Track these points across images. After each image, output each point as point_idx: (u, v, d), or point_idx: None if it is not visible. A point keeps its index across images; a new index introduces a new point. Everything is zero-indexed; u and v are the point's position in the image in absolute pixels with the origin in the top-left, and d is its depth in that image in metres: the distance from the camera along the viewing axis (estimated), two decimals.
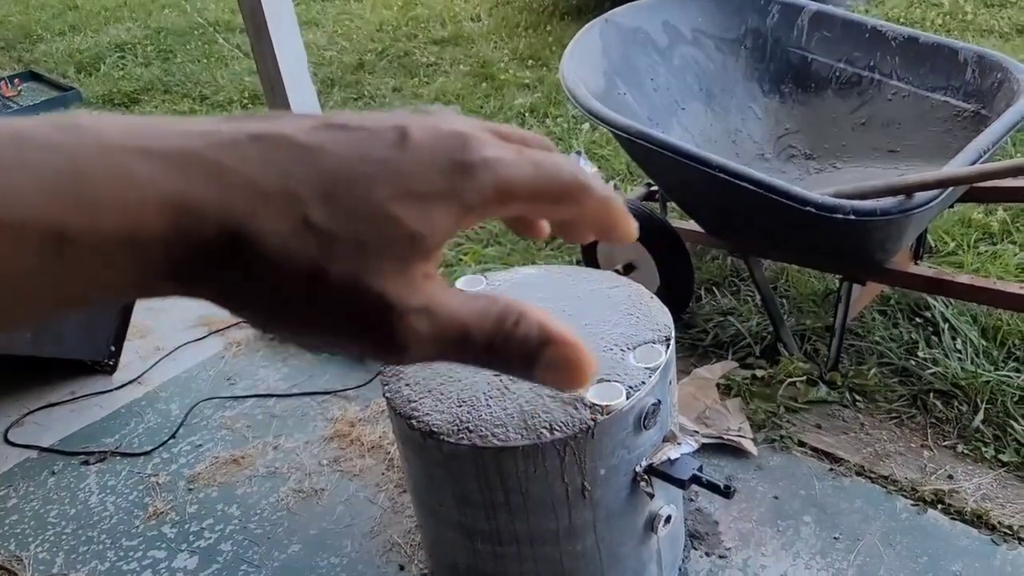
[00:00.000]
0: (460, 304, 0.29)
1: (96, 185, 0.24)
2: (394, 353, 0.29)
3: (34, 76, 4.51)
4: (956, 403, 1.98)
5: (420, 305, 0.28)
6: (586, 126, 3.64)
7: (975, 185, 1.99)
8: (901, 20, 4.21)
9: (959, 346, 2.12)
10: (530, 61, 4.52)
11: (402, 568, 1.72)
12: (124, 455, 2.11)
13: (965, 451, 1.85)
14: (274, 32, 2.34)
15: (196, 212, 0.25)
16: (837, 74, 2.50)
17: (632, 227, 0.33)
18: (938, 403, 1.98)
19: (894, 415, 1.98)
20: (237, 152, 0.26)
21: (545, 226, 0.35)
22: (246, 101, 4.56)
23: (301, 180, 0.26)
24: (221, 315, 2.34)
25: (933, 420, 1.95)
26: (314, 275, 0.26)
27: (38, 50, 5.95)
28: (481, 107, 4.07)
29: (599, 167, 3.32)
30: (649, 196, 2.62)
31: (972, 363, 2.06)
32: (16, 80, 4.32)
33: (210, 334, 2.54)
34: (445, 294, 0.29)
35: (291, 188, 0.26)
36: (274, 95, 2.49)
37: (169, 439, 2.14)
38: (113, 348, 2.41)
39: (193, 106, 4.61)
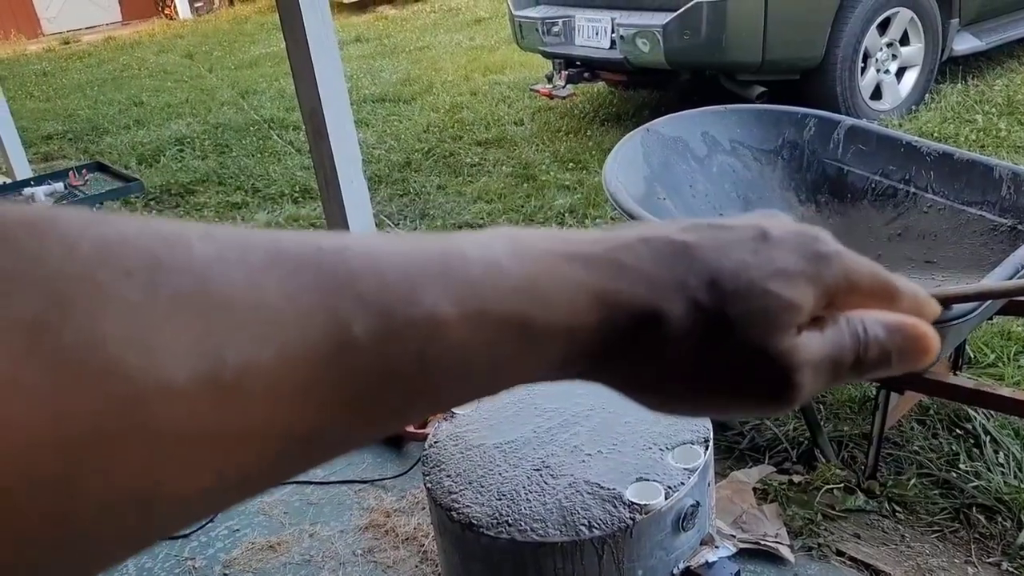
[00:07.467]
0: (822, 343, 0.33)
1: (545, 285, 0.30)
2: (784, 405, 0.33)
3: (100, 167, 4.75)
4: (1000, 518, 1.94)
5: (802, 360, 0.33)
6: None
7: (1014, 299, 2.01)
8: (935, 135, 4.29)
9: (1001, 459, 2.09)
10: (570, 164, 4.67)
11: None
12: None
13: (1010, 569, 1.81)
14: (332, 135, 2.49)
15: (614, 304, 0.31)
16: (873, 186, 2.56)
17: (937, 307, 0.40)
18: (981, 518, 1.94)
19: (936, 528, 1.94)
20: (632, 252, 0.32)
21: None
22: (296, 195, 4.74)
23: (688, 271, 0.32)
24: None
25: (977, 535, 1.91)
26: (705, 347, 0.32)
27: (104, 142, 6.29)
28: (522, 206, 4.20)
29: None
30: None
31: (1015, 477, 2.02)
32: (84, 170, 4.55)
33: None
34: (811, 342, 0.33)
35: (680, 278, 0.32)
36: (328, 191, 2.62)
37: (208, 522, 2.17)
38: None
39: (245, 198, 4.80)
